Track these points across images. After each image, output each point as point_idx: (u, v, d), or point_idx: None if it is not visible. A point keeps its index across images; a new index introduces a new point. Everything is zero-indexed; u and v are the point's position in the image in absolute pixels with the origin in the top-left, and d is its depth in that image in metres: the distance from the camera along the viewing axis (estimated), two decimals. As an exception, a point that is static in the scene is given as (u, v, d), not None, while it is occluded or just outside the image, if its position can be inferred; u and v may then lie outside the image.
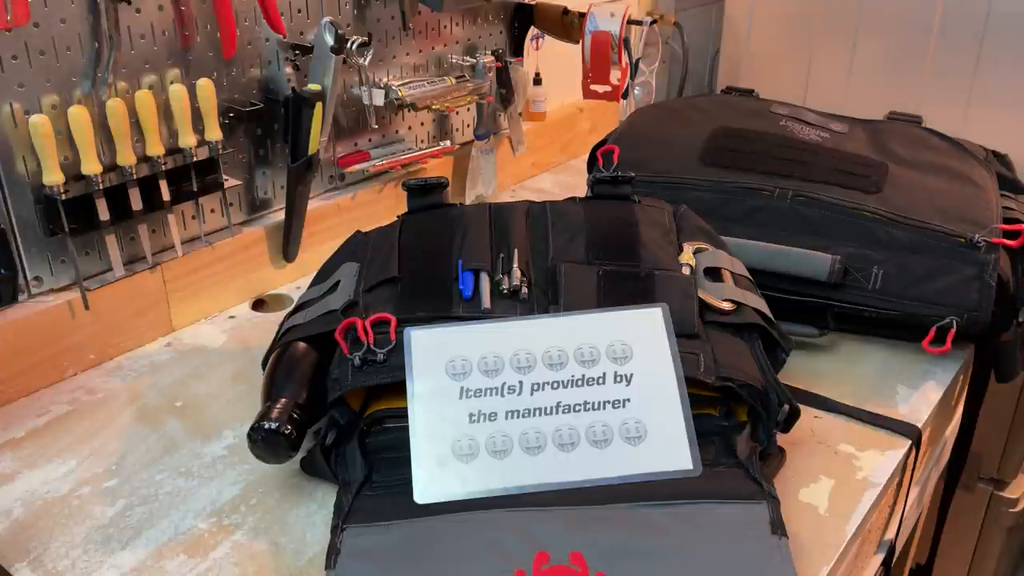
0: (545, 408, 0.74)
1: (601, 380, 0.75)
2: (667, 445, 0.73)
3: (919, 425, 0.89)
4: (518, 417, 0.74)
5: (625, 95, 1.34)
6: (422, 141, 1.34)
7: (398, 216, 0.94)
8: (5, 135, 0.87)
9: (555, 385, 0.75)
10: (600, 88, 1.35)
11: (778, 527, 0.69)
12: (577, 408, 0.74)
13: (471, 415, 0.74)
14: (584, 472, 0.73)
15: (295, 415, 0.75)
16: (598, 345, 0.76)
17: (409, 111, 1.22)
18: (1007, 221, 1.00)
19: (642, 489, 0.72)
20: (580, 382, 0.75)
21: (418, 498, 0.71)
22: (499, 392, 0.74)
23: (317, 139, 1.08)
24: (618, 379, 0.75)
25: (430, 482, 0.71)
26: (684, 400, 0.75)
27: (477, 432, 0.73)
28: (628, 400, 0.74)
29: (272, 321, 1.03)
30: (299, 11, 1.09)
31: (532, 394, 0.74)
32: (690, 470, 0.73)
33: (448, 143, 1.34)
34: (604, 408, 0.74)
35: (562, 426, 0.74)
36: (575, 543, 0.67)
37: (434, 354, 0.75)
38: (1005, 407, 1.62)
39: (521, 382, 0.75)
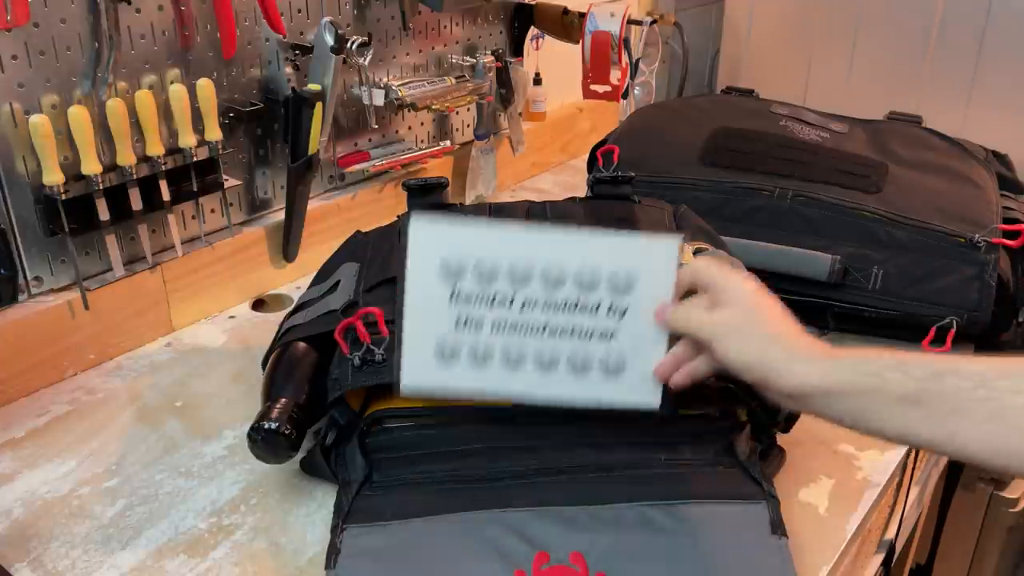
0: (532, 326, 0.72)
1: (595, 309, 0.72)
2: (641, 382, 0.72)
3: (919, 425, 0.89)
4: (504, 330, 0.72)
5: (625, 95, 1.34)
6: (422, 141, 1.34)
7: (398, 216, 0.94)
8: (5, 135, 0.87)
9: (547, 305, 0.72)
10: (600, 88, 1.35)
11: (778, 527, 0.69)
12: (563, 333, 0.72)
13: (457, 320, 0.71)
14: (556, 393, 0.72)
15: (295, 415, 0.75)
16: (601, 270, 0.72)
17: (409, 111, 1.22)
18: (1007, 221, 1.00)
19: (642, 489, 0.72)
20: (573, 307, 0.72)
21: (404, 382, 0.70)
22: (489, 302, 0.72)
23: (317, 139, 1.08)
24: (611, 311, 0.72)
25: (414, 373, 0.71)
26: (668, 339, 0.73)
27: (462, 337, 0.71)
28: (615, 334, 0.72)
29: (272, 321, 1.03)
30: (299, 11, 1.09)
31: (522, 310, 0.72)
32: (655, 408, 0.72)
33: (448, 143, 1.34)
34: (590, 338, 0.72)
35: (545, 348, 0.72)
36: (575, 543, 0.67)
37: (432, 247, 0.71)
38: (1005, 407, 1.62)
39: (514, 295, 0.72)
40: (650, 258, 0.72)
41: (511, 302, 0.72)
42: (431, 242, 0.71)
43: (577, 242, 0.72)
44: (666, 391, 0.72)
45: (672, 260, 0.72)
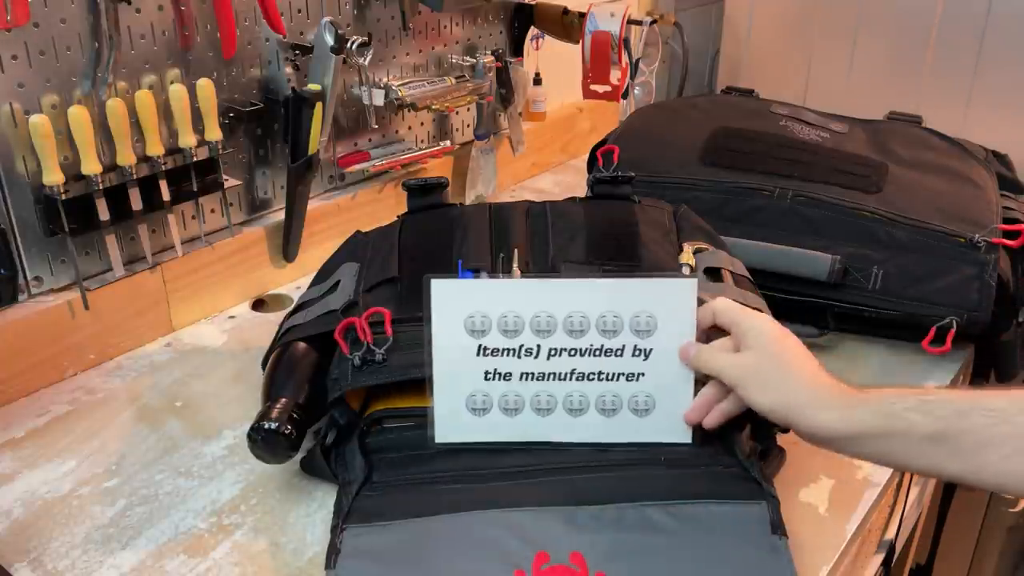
0: (560, 374, 0.75)
1: (619, 352, 0.75)
2: (671, 419, 0.75)
3: (919, 425, 0.88)
4: (532, 379, 0.75)
5: (625, 95, 1.34)
6: (422, 141, 1.34)
7: (398, 216, 0.94)
8: (5, 135, 0.87)
9: (572, 352, 0.74)
10: (600, 88, 1.35)
11: (778, 527, 0.69)
12: (591, 377, 0.75)
13: (487, 372, 0.74)
14: (588, 435, 0.75)
15: (295, 415, 0.75)
16: (622, 315, 0.74)
17: (409, 111, 1.22)
18: (1007, 221, 1.00)
19: (642, 489, 0.72)
20: (598, 352, 0.75)
21: (438, 439, 0.74)
22: (516, 354, 0.74)
23: (317, 139, 1.08)
24: (637, 353, 0.75)
25: (447, 426, 0.74)
26: (695, 377, 0.75)
27: (492, 389, 0.74)
28: (643, 375, 0.75)
29: (272, 321, 1.03)
30: (299, 11, 1.09)
31: (548, 359, 0.74)
32: (688, 444, 0.75)
33: (448, 143, 1.34)
34: (618, 380, 0.75)
35: (573, 392, 0.75)
36: (575, 543, 0.67)
37: (455, 306, 0.74)
38: (1005, 407, 1.62)
39: (539, 345, 0.74)
40: (667, 300, 0.75)
41: (537, 352, 0.74)
42: (453, 302, 0.73)
43: (595, 289, 0.75)
44: (696, 426, 0.75)
45: (689, 300, 0.74)
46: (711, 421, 0.73)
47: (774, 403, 0.67)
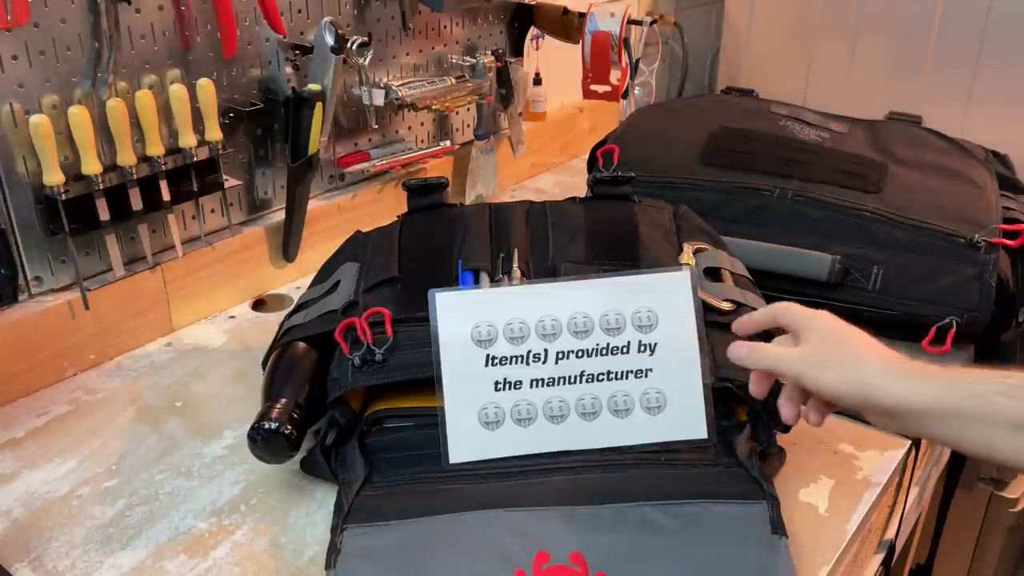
0: (569, 377, 0.75)
1: (625, 349, 0.75)
2: (684, 415, 0.75)
3: (919, 425, 0.89)
4: (542, 386, 0.74)
5: (625, 95, 1.34)
6: (422, 141, 1.34)
7: (398, 216, 0.94)
8: (5, 135, 0.87)
9: (580, 354, 0.75)
10: (600, 88, 1.35)
11: (778, 527, 0.69)
12: (600, 377, 0.75)
13: (497, 383, 0.74)
14: (603, 440, 0.75)
15: (295, 415, 0.75)
16: (624, 312, 0.75)
17: (409, 111, 1.22)
18: (1007, 221, 1.00)
19: (642, 489, 0.72)
20: (604, 351, 0.75)
21: (452, 459, 0.73)
22: (524, 360, 0.74)
23: (317, 139, 1.08)
24: (642, 348, 0.75)
25: (460, 444, 0.73)
26: (704, 368, 0.75)
27: (503, 400, 0.74)
28: (651, 370, 0.75)
29: (272, 321, 1.03)
30: (299, 11, 1.09)
31: (557, 362, 0.75)
32: (704, 439, 0.75)
33: (448, 143, 1.34)
34: (627, 378, 0.75)
35: (585, 395, 0.75)
36: (575, 543, 0.67)
37: (460, 318, 0.74)
38: (1005, 407, 1.62)
39: (546, 350, 0.74)
40: (665, 293, 0.75)
41: (544, 357, 0.74)
42: (458, 314, 0.73)
43: (595, 289, 0.75)
44: (711, 420, 0.74)
45: (687, 290, 0.75)
46: (815, 419, 0.67)
47: (840, 379, 0.62)
